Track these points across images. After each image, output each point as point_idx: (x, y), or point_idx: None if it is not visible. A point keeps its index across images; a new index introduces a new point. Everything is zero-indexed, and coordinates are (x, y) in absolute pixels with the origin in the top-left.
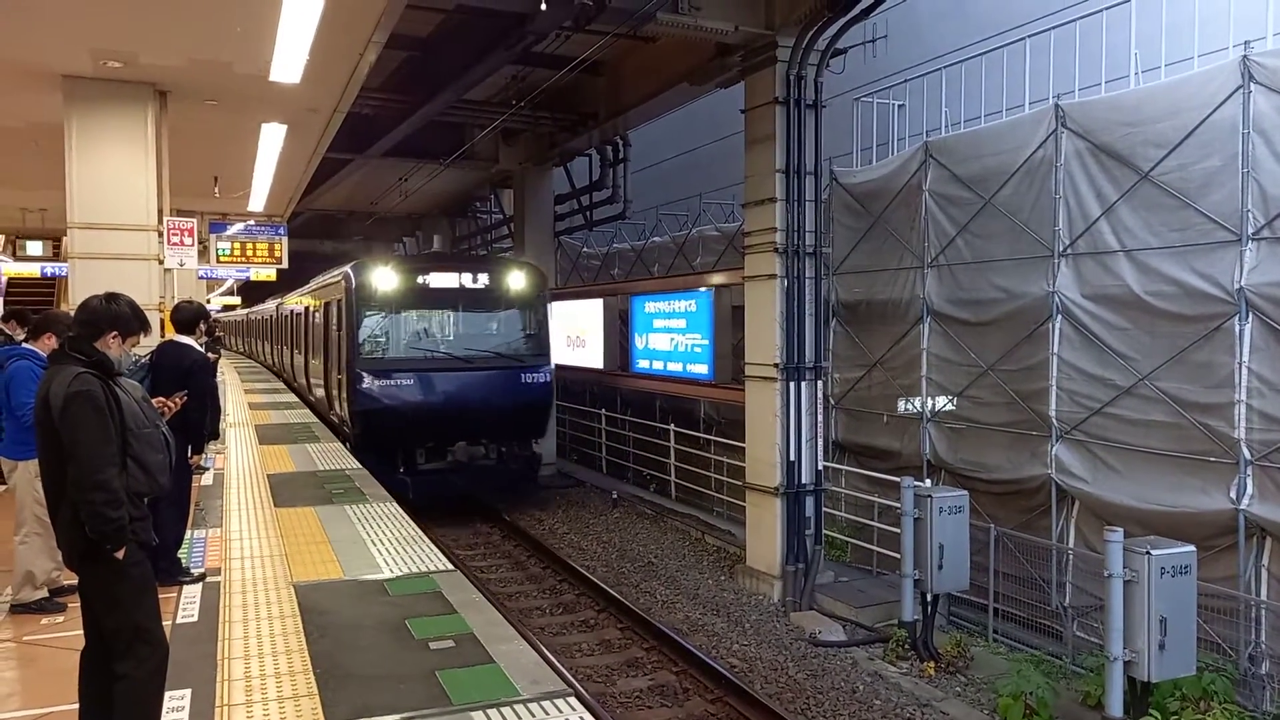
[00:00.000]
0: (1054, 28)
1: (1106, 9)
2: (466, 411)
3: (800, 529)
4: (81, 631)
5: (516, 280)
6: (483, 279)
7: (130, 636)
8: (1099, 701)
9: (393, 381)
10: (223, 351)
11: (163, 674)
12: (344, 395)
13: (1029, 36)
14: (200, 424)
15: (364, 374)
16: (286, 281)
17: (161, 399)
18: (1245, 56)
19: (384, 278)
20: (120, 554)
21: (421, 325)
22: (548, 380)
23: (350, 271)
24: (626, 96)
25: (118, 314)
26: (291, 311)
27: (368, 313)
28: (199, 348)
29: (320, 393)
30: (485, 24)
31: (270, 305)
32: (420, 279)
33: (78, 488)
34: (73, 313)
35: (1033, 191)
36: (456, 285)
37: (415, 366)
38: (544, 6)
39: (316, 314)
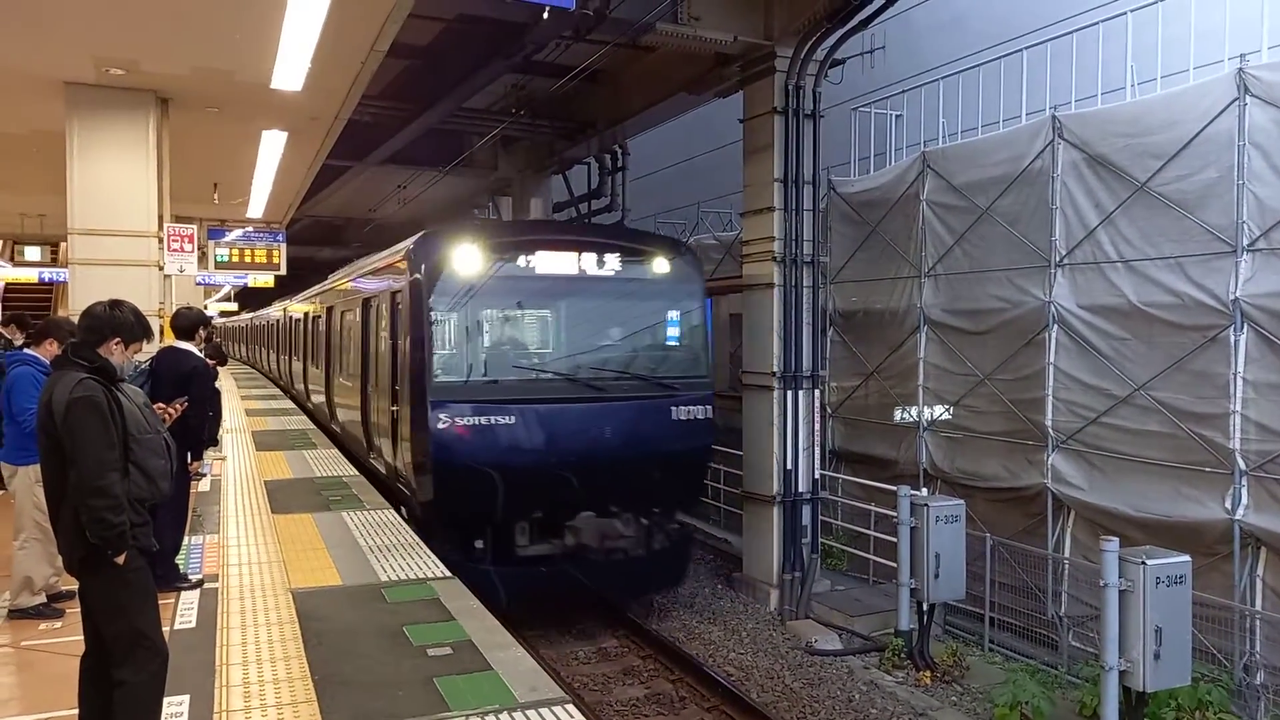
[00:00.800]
0: (1050, 40)
1: (1103, 22)
2: (597, 464)
3: (797, 537)
4: (79, 637)
5: (663, 264)
6: (615, 261)
7: (130, 642)
8: (1094, 711)
9: (486, 419)
10: (228, 359)
11: (162, 680)
12: (404, 439)
13: (1026, 48)
14: (200, 430)
15: (441, 407)
16: (285, 285)
17: (162, 405)
18: (1241, 69)
19: (470, 259)
20: (121, 559)
21: (528, 332)
22: (709, 416)
23: (417, 248)
24: (625, 105)
25: (121, 320)
26: (308, 315)
27: (447, 312)
28: (199, 354)
29: (356, 429)
30: (485, 33)
31: (275, 309)
32: (524, 260)
33: (79, 493)
34: (75, 319)
35: (1029, 202)
36: (577, 270)
37: (519, 396)
38: (545, 16)
39: (350, 315)
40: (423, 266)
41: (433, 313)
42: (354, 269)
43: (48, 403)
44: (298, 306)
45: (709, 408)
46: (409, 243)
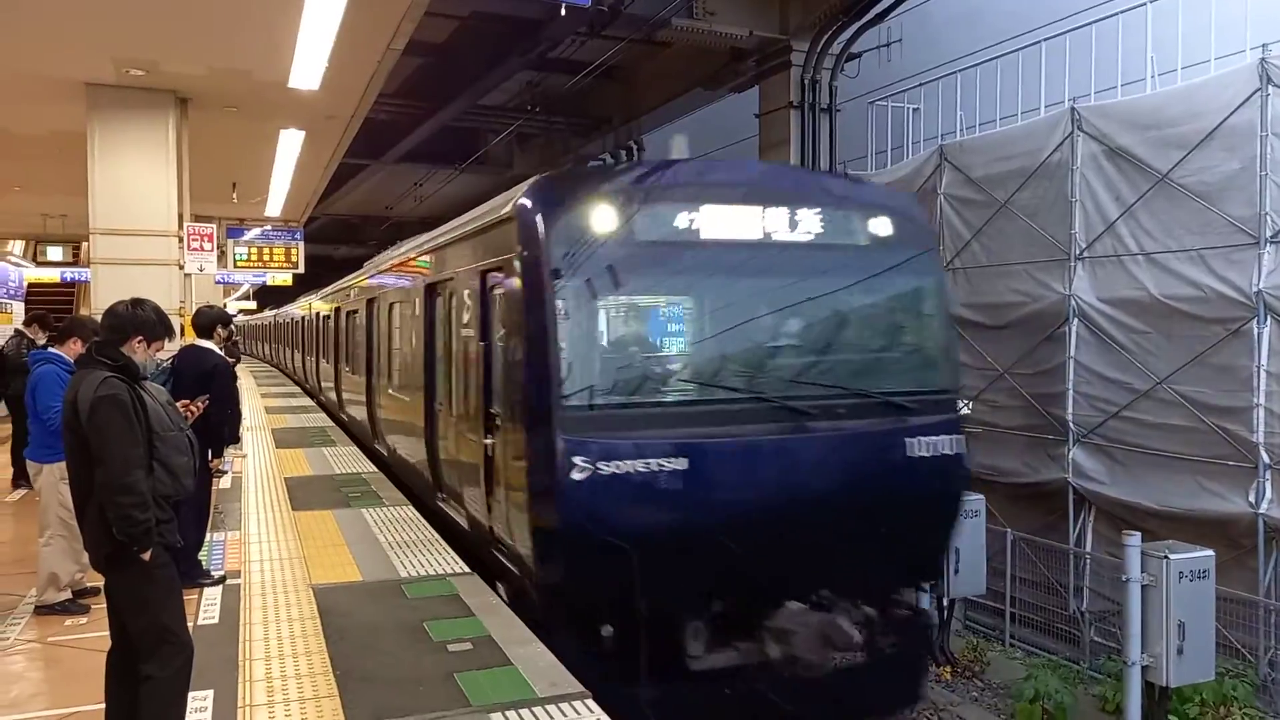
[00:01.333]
0: (1069, 31)
1: (1122, 13)
2: (807, 528)
3: None
4: (105, 633)
5: (885, 225)
6: (815, 221)
7: (155, 638)
8: (1117, 707)
9: (644, 463)
10: (241, 357)
11: (187, 675)
12: (509, 489)
13: (1044, 40)
14: (220, 428)
15: (577, 445)
16: (305, 282)
17: (185, 402)
18: (1263, 59)
19: (608, 217)
20: (146, 556)
21: (701, 329)
22: (959, 450)
23: (533, 202)
24: (641, 101)
25: (143, 319)
26: (340, 311)
27: (582, 299)
28: (219, 352)
29: (416, 457)
30: (500, 30)
31: (301, 305)
32: (686, 218)
33: (106, 490)
34: (98, 318)
35: (1048, 195)
36: (760, 235)
37: (692, 427)
38: (561, 13)
39: (405, 308)
40: (543, 229)
41: (560, 299)
42: (411, 247)
43: (73, 401)
44: (328, 301)
45: (958, 438)
46: (517, 194)
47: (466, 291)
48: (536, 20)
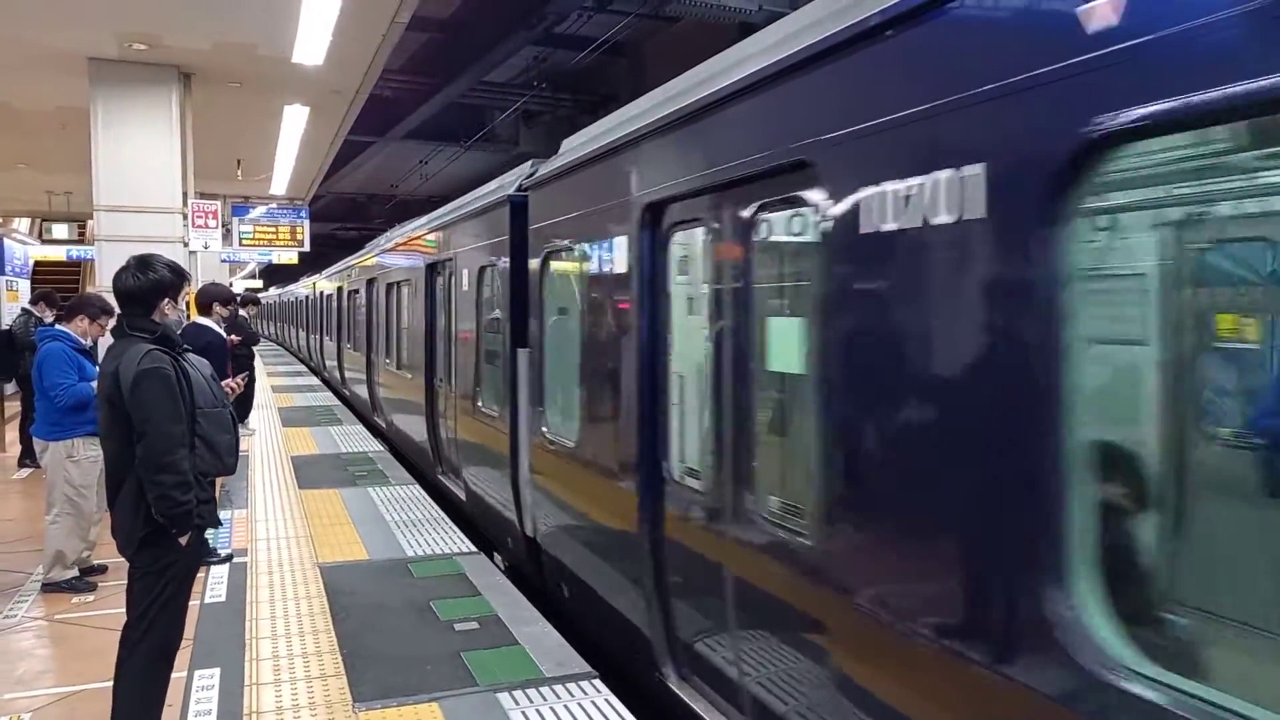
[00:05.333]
0: None
1: None
2: None
3: None
4: (111, 610)
5: None
6: None
7: (152, 618)
8: None
9: None
10: (259, 338)
11: (170, 660)
12: None
13: None
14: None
15: None
16: (310, 261)
17: (228, 378)
18: None
19: None
20: (184, 541)
21: None
22: None
23: None
24: (648, 78)
25: (162, 280)
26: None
27: None
28: (216, 328)
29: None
30: (506, 4)
31: (366, 259)
32: None
33: (146, 468)
34: (106, 295)
35: None
36: None
37: None
38: None
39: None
40: None
41: None
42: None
43: (114, 374)
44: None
45: None
46: None
47: None
48: None
